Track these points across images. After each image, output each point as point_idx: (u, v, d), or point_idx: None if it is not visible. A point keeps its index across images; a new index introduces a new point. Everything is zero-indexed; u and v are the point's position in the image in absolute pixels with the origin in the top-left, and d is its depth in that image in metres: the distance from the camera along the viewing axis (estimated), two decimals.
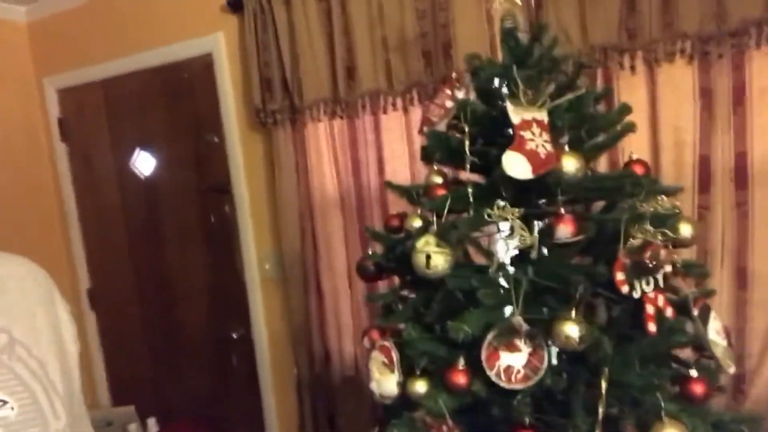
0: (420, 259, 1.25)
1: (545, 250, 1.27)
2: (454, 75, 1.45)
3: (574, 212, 1.23)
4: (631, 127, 1.37)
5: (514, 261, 1.25)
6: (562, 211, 1.21)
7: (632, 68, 1.91)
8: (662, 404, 1.12)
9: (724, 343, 1.28)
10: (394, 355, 1.36)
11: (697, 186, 1.87)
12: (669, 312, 1.22)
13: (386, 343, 1.39)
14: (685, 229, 1.31)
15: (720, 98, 1.82)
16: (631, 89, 1.91)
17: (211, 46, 2.65)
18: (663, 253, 1.22)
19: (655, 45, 1.84)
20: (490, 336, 1.19)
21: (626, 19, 1.88)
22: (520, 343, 1.18)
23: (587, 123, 1.33)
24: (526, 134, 1.20)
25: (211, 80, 2.68)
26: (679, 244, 1.28)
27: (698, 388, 1.22)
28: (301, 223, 2.54)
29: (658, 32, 1.84)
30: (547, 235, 1.22)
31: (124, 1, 2.80)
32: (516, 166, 1.18)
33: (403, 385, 1.34)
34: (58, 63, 3.03)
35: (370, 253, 1.50)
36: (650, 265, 1.18)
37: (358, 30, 2.27)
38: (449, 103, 1.39)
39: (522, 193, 1.29)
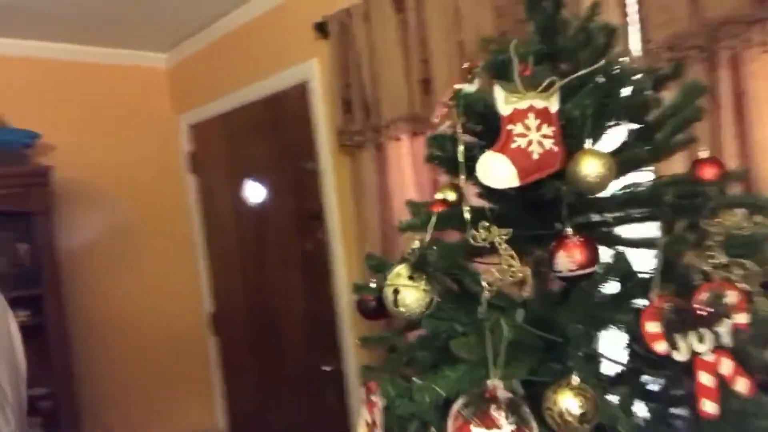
0: (387, 296, 0.98)
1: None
2: (466, 65, 1.16)
3: (586, 235, 0.86)
4: (695, 115, 0.95)
5: (504, 300, 0.92)
6: (568, 231, 0.86)
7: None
8: None
9: None
10: (378, 417, 1.09)
11: None
12: (741, 384, 0.79)
13: (374, 398, 1.12)
14: None
15: None
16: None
17: (306, 74, 2.63)
18: (734, 294, 0.80)
19: None
20: (457, 404, 0.87)
21: None
22: (498, 416, 0.84)
23: (628, 111, 0.95)
24: (516, 128, 0.88)
25: (306, 108, 2.66)
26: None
27: None
28: (383, 248, 2.34)
29: None
30: (546, 266, 0.88)
31: (241, 38, 2.93)
32: (495, 171, 0.87)
33: None
34: (190, 100, 3.28)
35: (372, 285, 1.25)
36: (705, 313, 0.77)
37: (434, 38, 2.05)
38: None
39: (542, 212, 0.96)
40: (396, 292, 0.97)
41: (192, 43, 3.18)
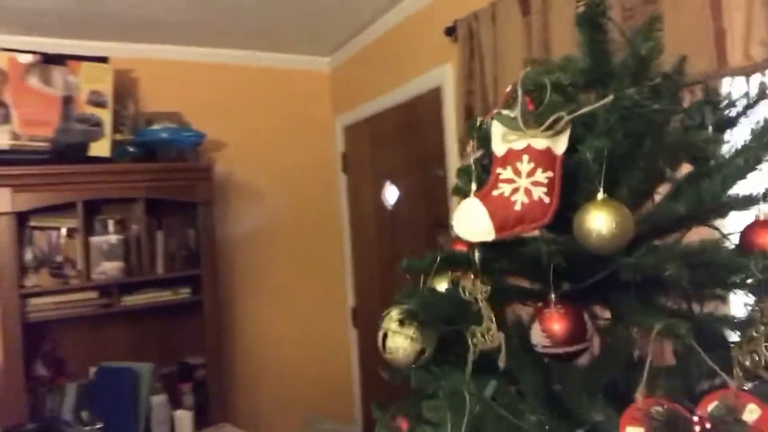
0: (378, 338, 0.93)
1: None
2: (509, 88, 1.03)
3: (572, 304, 0.71)
4: (754, 161, 0.72)
5: (482, 369, 0.81)
6: (551, 298, 0.72)
7: None
8: None
9: None
10: None
11: None
12: None
13: None
14: None
15: None
16: None
17: (439, 79, 2.59)
18: (756, 411, 0.61)
19: None
20: None
21: None
22: None
23: (670, 154, 0.76)
24: (504, 172, 0.76)
25: (438, 113, 2.62)
26: None
27: None
28: None
29: None
30: (523, 337, 0.74)
31: (389, 42, 2.99)
32: (470, 221, 0.76)
33: None
34: (345, 103, 3.44)
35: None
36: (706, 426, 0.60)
37: (556, 42, 1.87)
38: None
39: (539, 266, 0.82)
40: (385, 336, 0.91)
41: (350, 47, 3.32)
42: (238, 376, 3.25)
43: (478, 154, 0.93)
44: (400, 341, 0.89)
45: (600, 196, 0.75)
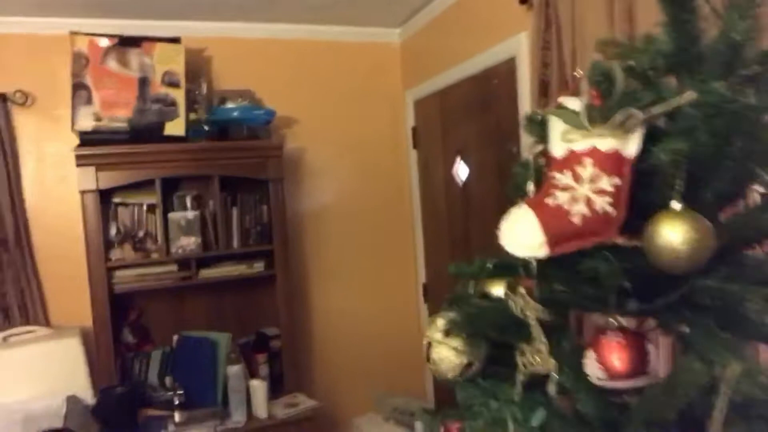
0: (423, 347, 0.87)
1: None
2: (577, 73, 0.91)
3: (633, 332, 0.62)
4: None
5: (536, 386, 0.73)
6: (612, 322, 0.63)
7: None
8: None
9: None
10: None
11: None
12: None
13: None
14: None
15: None
16: None
17: (514, 50, 2.44)
18: None
19: None
20: None
21: None
22: None
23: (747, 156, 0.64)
24: (562, 178, 0.67)
25: (512, 86, 2.47)
26: None
27: None
28: None
29: None
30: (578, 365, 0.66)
31: (459, 12, 2.85)
32: (519, 234, 0.68)
33: None
34: (416, 77, 3.34)
35: None
36: None
37: (641, 12, 1.68)
38: None
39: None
40: (429, 345, 0.86)
41: (420, 18, 3.20)
42: (312, 348, 3.32)
43: (539, 149, 0.84)
44: (444, 352, 0.83)
45: (676, 206, 0.65)
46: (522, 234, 0.68)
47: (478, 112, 2.79)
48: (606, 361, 0.62)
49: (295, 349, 3.04)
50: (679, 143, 0.64)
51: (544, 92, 2.11)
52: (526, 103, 2.39)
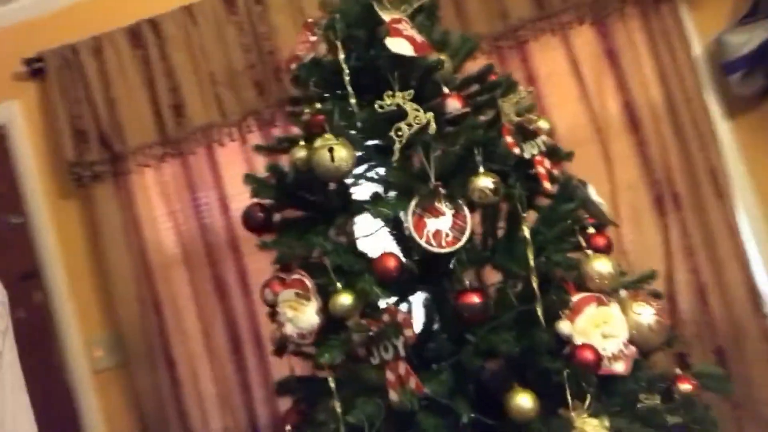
0: (323, 156, 1.16)
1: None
2: (310, 20, 1.47)
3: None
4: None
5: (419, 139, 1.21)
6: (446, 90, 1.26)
7: None
8: None
9: (603, 202, 1.38)
10: (309, 283, 1.20)
11: None
12: (556, 172, 1.30)
13: (297, 275, 1.22)
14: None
15: None
16: None
17: (3, 118, 2.35)
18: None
19: None
20: (413, 204, 1.13)
21: None
22: (441, 206, 1.14)
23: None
24: (399, 26, 1.26)
25: (5, 154, 2.34)
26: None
27: (600, 240, 1.28)
28: (138, 291, 2.20)
29: None
30: (440, 113, 1.24)
31: None
32: (400, 46, 1.22)
33: (324, 310, 1.17)
34: None
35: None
36: (530, 128, 1.26)
37: (180, 71, 2.21)
38: (312, 38, 1.40)
39: None
40: (331, 150, 1.16)
41: None
42: None
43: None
44: (345, 151, 1.17)
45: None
46: (402, 47, 1.20)
47: None
48: (455, 100, 1.22)
49: None
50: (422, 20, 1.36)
51: (83, 139, 2.19)
52: (30, 170, 2.32)
